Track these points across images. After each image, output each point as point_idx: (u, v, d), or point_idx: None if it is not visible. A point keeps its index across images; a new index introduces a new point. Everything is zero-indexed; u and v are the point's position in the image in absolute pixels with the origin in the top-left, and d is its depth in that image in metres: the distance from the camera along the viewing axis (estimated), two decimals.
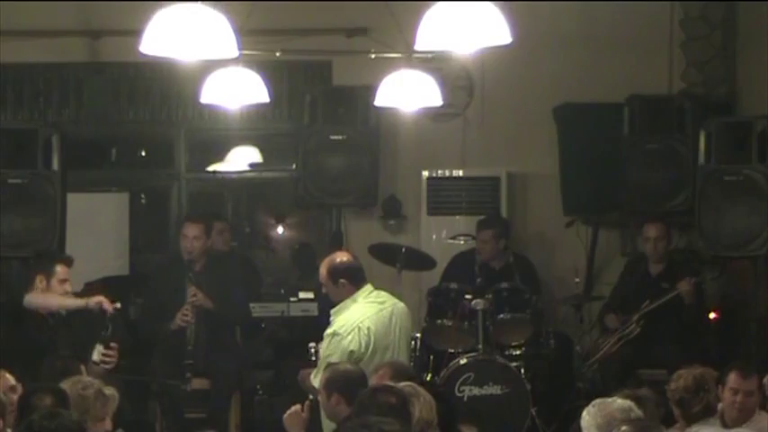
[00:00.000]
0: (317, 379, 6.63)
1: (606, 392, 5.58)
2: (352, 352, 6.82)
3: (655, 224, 8.68)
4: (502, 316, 8.54)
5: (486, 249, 9.11)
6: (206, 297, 8.25)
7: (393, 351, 6.98)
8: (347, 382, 5.80)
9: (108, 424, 5.35)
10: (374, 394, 5.02)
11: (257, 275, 9.75)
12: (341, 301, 7.05)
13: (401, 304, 7.23)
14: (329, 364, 6.23)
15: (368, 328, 6.90)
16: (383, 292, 7.22)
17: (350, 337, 6.86)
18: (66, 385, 5.36)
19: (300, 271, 9.92)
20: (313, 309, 8.95)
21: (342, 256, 7.20)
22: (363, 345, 6.86)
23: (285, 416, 6.03)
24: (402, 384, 5.32)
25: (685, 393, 5.70)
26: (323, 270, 7.10)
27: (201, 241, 8.39)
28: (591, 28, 9.78)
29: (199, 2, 5.17)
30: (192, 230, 8.38)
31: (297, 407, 6.02)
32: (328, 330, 6.97)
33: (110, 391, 5.41)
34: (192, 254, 8.33)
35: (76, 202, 8.79)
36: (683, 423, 5.70)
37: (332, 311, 7.13)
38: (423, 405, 5.20)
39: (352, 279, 7.06)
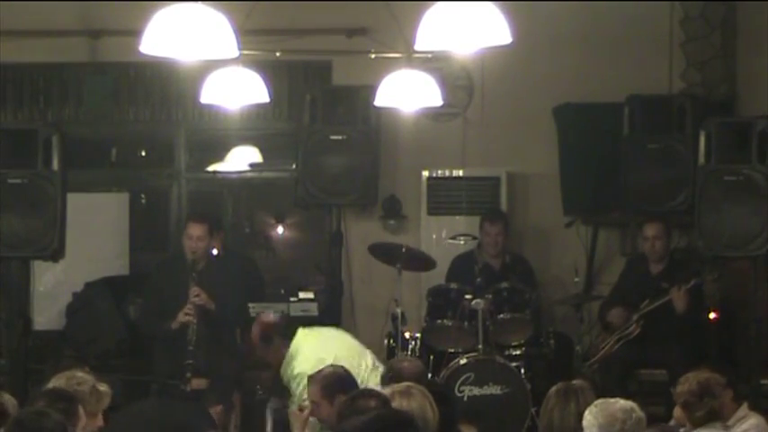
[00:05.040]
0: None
1: (606, 393, 5.57)
2: None
3: (654, 223, 8.69)
4: (502, 316, 8.55)
5: (498, 242, 9.08)
6: (208, 297, 8.26)
7: None
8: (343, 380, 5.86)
9: (100, 420, 5.34)
10: (353, 401, 4.99)
11: (259, 277, 9.73)
12: None
13: None
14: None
15: None
16: None
17: None
18: (60, 381, 5.34)
19: None
20: (313, 309, 8.93)
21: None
22: None
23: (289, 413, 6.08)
24: (401, 385, 5.30)
25: (690, 397, 5.68)
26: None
27: (205, 241, 8.38)
28: (591, 28, 9.78)
29: (199, 2, 5.16)
30: (196, 230, 8.37)
31: (295, 408, 6.06)
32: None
33: (104, 387, 5.39)
34: (195, 253, 8.33)
35: (76, 202, 8.77)
36: (689, 426, 5.70)
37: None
38: (415, 400, 5.16)
39: None
